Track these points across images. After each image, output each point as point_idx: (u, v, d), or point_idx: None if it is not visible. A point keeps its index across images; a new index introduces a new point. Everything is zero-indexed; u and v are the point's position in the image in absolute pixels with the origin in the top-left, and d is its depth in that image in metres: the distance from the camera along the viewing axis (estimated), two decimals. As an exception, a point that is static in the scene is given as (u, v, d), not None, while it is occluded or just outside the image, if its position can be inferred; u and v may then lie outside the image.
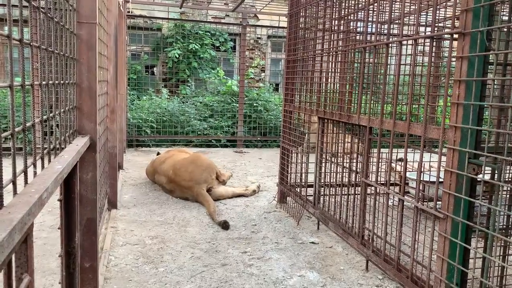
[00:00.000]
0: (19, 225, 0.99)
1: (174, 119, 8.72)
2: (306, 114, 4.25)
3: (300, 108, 4.29)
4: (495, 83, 2.67)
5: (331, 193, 3.80)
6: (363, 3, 3.30)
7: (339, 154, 3.84)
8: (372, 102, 3.11)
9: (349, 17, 3.55)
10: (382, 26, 4.25)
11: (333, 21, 3.69)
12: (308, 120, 4.52)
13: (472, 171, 2.05)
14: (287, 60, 4.61)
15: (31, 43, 1.34)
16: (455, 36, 2.15)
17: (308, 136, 4.64)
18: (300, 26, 4.33)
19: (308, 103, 4.14)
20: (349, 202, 3.45)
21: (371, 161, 3.28)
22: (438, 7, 2.68)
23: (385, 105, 2.90)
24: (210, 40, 10.88)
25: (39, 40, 1.49)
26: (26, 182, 1.30)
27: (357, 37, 3.59)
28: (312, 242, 3.66)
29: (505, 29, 2.38)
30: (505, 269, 2.46)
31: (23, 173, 1.27)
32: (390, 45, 2.94)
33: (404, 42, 2.86)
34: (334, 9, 3.71)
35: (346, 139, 3.76)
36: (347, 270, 3.14)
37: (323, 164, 3.94)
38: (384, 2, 4.34)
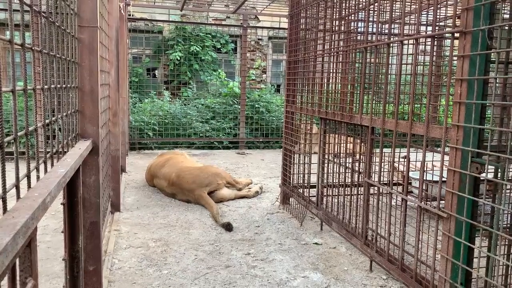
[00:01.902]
0: (22, 229, 0.99)
1: (176, 122, 8.73)
2: (307, 123, 4.25)
3: (301, 109, 4.29)
4: (497, 81, 2.66)
5: (334, 194, 3.80)
6: (364, 3, 3.30)
7: (341, 155, 3.84)
8: (374, 102, 3.11)
9: (349, 18, 3.55)
10: (383, 26, 4.24)
11: (334, 21, 3.69)
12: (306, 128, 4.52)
13: (475, 170, 2.05)
14: (288, 61, 4.61)
15: (33, 48, 1.34)
16: (456, 35, 2.15)
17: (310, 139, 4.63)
18: (301, 27, 4.33)
19: (309, 104, 4.14)
20: (352, 203, 3.45)
21: (374, 161, 3.27)
22: (438, 6, 2.67)
23: (387, 105, 2.90)
24: (211, 42, 10.89)
25: (41, 44, 1.49)
26: (29, 186, 1.30)
27: (358, 37, 3.59)
28: (316, 243, 3.66)
29: (506, 27, 2.38)
30: (510, 268, 2.45)
31: (26, 177, 1.27)
32: (391, 44, 2.94)
33: (405, 42, 2.86)
34: (334, 9, 3.71)
35: (348, 140, 3.75)
36: (351, 271, 3.14)
37: (326, 165, 3.94)
38: (385, 2, 4.34)
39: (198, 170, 4.91)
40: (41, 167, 1.47)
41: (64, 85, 1.85)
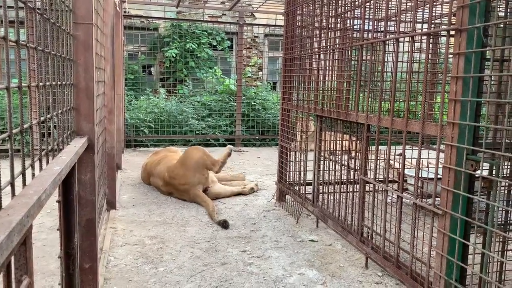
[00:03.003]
0: (18, 227, 0.99)
1: (172, 119, 8.71)
2: (303, 121, 4.26)
3: (298, 106, 4.29)
4: (492, 79, 2.67)
5: (329, 191, 3.81)
6: (360, 1, 3.30)
7: (337, 152, 3.84)
8: (369, 99, 3.12)
9: (345, 15, 3.55)
10: (379, 24, 4.25)
11: (330, 19, 3.69)
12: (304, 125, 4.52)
13: (470, 167, 2.06)
14: (284, 59, 4.61)
15: (28, 45, 1.34)
16: (452, 32, 2.16)
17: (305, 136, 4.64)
18: (297, 24, 4.33)
19: (306, 101, 4.14)
20: (348, 200, 3.46)
21: (369, 158, 3.28)
22: (434, 4, 2.68)
23: (382, 103, 2.90)
24: (207, 39, 10.86)
25: (36, 41, 1.48)
26: (24, 183, 1.30)
27: (354, 35, 3.59)
28: (312, 240, 3.67)
29: (502, 25, 2.39)
30: (504, 265, 2.47)
31: (21, 175, 1.27)
32: (387, 42, 2.94)
33: (401, 39, 2.86)
34: (330, 7, 3.71)
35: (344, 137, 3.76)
36: (347, 268, 3.15)
37: (322, 162, 3.95)
38: (381, -1, 4.34)
39: (183, 167, 4.74)
40: (36, 164, 1.46)
41: (59, 82, 1.84)
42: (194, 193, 4.63)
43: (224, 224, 3.93)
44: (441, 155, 2.26)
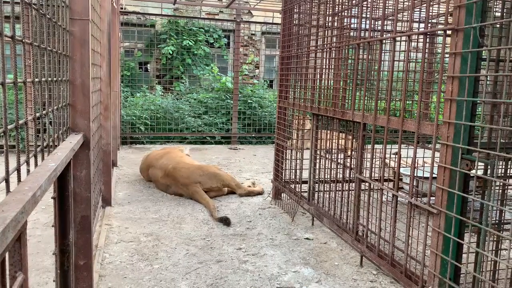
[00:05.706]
0: (12, 223, 0.98)
1: (168, 116, 8.70)
2: (300, 119, 4.26)
3: (294, 104, 4.30)
4: (488, 79, 2.69)
5: (325, 189, 3.81)
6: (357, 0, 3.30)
7: (333, 151, 3.85)
8: (366, 98, 3.12)
9: (342, 14, 3.55)
10: (376, 23, 4.25)
11: (327, 17, 3.69)
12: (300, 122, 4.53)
13: (465, 166, 2.07)
14: (281, 57, 4.60)
15: (23, 40, 1.33)
16: (448, 32, 2.16)
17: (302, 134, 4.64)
18: (294, 22, 4.33)
19: (302, 100, 4.14)
20: (343, 198, 3.47)
21: (365, 157, 3.29)
22: (431, 3, 2.68)
23: (379, 101, 2.91)
24: (204, 36, 10.84)
25: (32, 37, 1.48)
26: (19, 180, 1.29)
27: (351, 34, 3.59)
28: (307, 238, 3.67)
29: (498, 25, 2.40)
30: (497, 263, 2.49)
31: (16, 171, 1.26)
32: (384, 41, 2.95)
33: (398, 39, 2.87)
34: (328, 5, 3.71)
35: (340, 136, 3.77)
36: (342, 266, 3.16)
37: (318, 161, 3.95)
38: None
39: (196, 167, 4.90)
40: (31, 160, 1.46)
41: (55, 78, 1.83)
42: (194, 189, 4.63)
43: (226, 221, 3.92)
44: (437, 154, 2.26)
